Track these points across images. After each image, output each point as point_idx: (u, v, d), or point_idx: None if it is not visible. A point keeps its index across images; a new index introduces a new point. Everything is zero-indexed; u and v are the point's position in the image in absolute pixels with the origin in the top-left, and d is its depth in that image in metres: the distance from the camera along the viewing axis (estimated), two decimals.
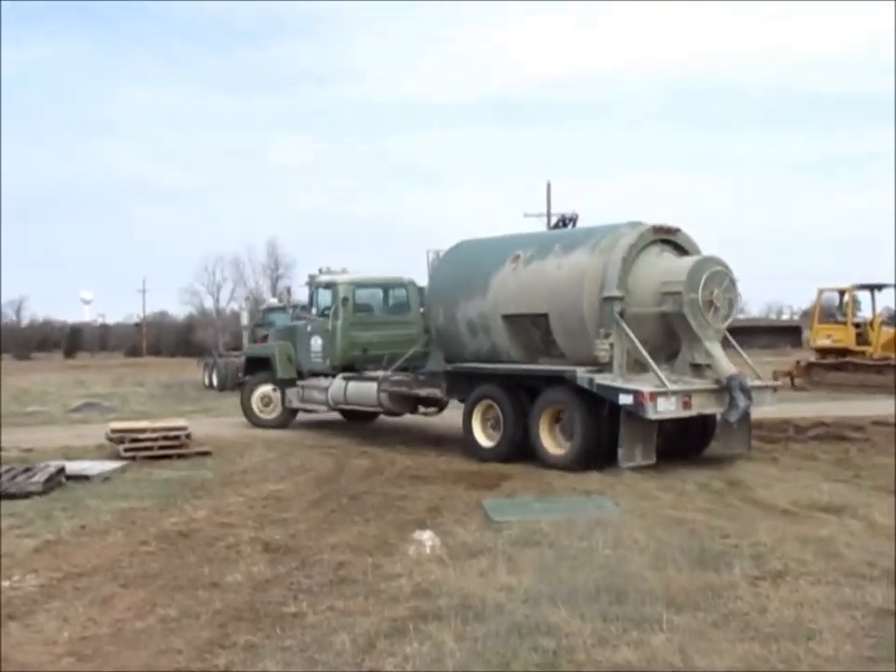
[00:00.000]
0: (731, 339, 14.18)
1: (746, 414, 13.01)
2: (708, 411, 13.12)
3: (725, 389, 12.74)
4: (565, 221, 29.17)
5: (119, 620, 6.29)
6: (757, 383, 13.59)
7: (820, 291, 30.06)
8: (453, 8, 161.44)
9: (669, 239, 13.76)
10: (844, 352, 28.32)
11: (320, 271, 19.04)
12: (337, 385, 17.22)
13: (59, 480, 11.78)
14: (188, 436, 14.75)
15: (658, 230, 13.62)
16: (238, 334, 38.63)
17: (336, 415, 18.80)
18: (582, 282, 13.27)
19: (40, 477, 11.37)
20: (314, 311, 18.57)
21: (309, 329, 18.42)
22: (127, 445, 14.13)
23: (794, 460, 13.41)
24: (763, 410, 13.92)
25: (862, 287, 29.31)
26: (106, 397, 27.91)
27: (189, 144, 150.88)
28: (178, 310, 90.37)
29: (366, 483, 11.93)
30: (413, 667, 5.18)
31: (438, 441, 16.11)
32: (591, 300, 13.14)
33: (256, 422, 19.04)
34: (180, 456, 14.17)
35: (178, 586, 7.09)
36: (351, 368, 17.59)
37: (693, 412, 12.77)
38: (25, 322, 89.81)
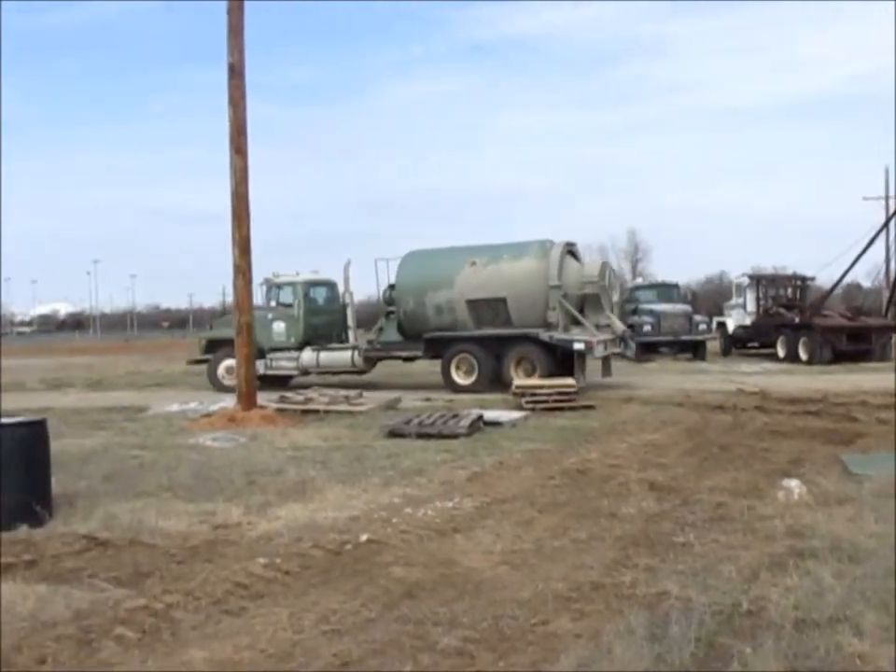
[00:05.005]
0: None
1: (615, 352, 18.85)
2: (615, 351, 18.73)
3: (620, 338, 18.61)
4: None
5: (539, 538, 6.48)
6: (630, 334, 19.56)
7: None
8: (770, 15, 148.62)
9: (572, 250, 18.88)
10: None
11: (273, 274, 21.06)
12: (308, 355, 19.96)
13: (478, 425, 12.41)
14: (575, 392, 15.01)
15: (568, 244, 18.70)
16: None
17: None
18: (534, 277, 18.00)
19: (465, 422, 12.05)
20: (272, 303, 20.61)
21: (270, 316, 20.22)
22: (527, 398, 14.64)
23: None
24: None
25: None
26: None
27: (549, 155, 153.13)
28: None
29: (731, 436, 11.46)
30: (796, 598, 4.90)
31: (792, 402, 15.15)
32: (541, 287, 17.86)
33: (220, 388, 19.63)
34: (570, 409, 14.44)
35: (583, 514, 7.18)
36: (307, 343, 20.10)
37: (608, 352, 18.18)
38: None
